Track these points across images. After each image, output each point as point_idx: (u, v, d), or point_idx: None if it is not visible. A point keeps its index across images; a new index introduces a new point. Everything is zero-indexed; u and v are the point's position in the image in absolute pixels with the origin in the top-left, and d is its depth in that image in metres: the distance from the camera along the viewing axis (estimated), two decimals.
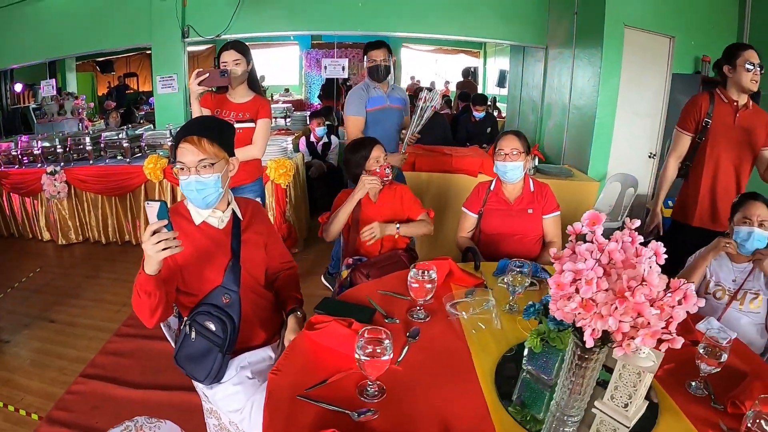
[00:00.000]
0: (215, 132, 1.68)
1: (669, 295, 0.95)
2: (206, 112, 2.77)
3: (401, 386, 1.32)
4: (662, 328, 0.95)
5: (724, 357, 1.42)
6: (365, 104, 3.35)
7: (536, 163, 4.34)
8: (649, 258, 0.98)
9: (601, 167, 4.72)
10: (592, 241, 1.02)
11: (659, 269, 0.97)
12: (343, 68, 6.00)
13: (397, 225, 2.55)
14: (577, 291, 0.97)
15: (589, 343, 0.98)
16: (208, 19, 5.39)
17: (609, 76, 4.56)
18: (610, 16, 4.49)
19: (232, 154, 1.75)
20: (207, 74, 2.63)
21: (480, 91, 11.18)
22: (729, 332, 1.85)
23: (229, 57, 2.78)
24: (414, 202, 2.67)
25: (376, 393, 1.28)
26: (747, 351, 1.74)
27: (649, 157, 5.05)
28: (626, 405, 1.22)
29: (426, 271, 1.66)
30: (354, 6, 5.45)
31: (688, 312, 0.96)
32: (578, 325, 0.98)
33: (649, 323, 0.93)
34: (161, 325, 1.79)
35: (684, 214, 2.88)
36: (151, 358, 2.94)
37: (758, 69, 2.57)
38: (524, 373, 1.43)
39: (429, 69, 11.95)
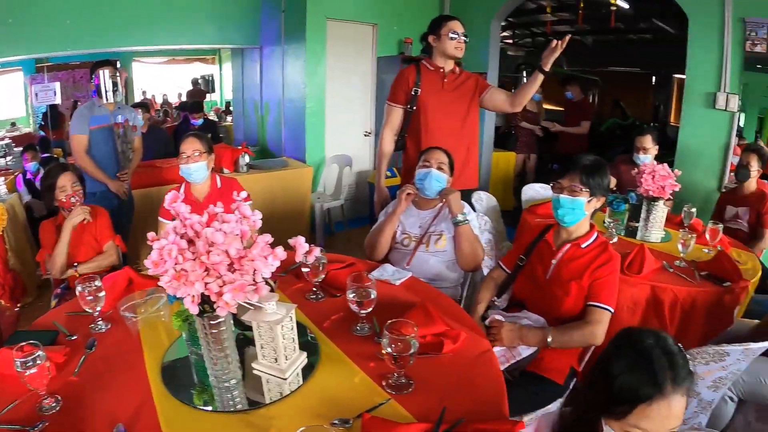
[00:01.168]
0: None
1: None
2: None
3: (77, 395, 1.35)
4: (250, 282, 1.08)
5: (373, 295, 1.59)
6: (88, 122, 3.26)
7: (247, 161, 4.42)
8: (234, 223, 1.11)
9: (319, 153, 5.06)
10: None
11: (240, 231, 1.10)
12: (55, 93, 5.37)
13: (75, 264, 2.51)
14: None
15: (193, 309, 1.06)
16: None
17: (315, 67, 4.90)
18: (311, 11, 4.80)
19: None
20: None
21: (217, 96, 11.05)
22: (403, 273, 2.12)
23: None
24: (102, 233, 2.63)
25: (53, 405, 1.30)
26: (421, 285, 2.04)
27: (365, 135, 5.56)
28: (276, 359, 1.35)
29: (89, 283, 1.67)
30: (62, 24, 4.85)
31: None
32: (179, 295, 1.06)
33: (234, 280, 1.05)
34: None
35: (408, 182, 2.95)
36: None
37: (462, 38, 2.67)
38: (193, 356, 1.46)
39: (164, 81, 11.38)
